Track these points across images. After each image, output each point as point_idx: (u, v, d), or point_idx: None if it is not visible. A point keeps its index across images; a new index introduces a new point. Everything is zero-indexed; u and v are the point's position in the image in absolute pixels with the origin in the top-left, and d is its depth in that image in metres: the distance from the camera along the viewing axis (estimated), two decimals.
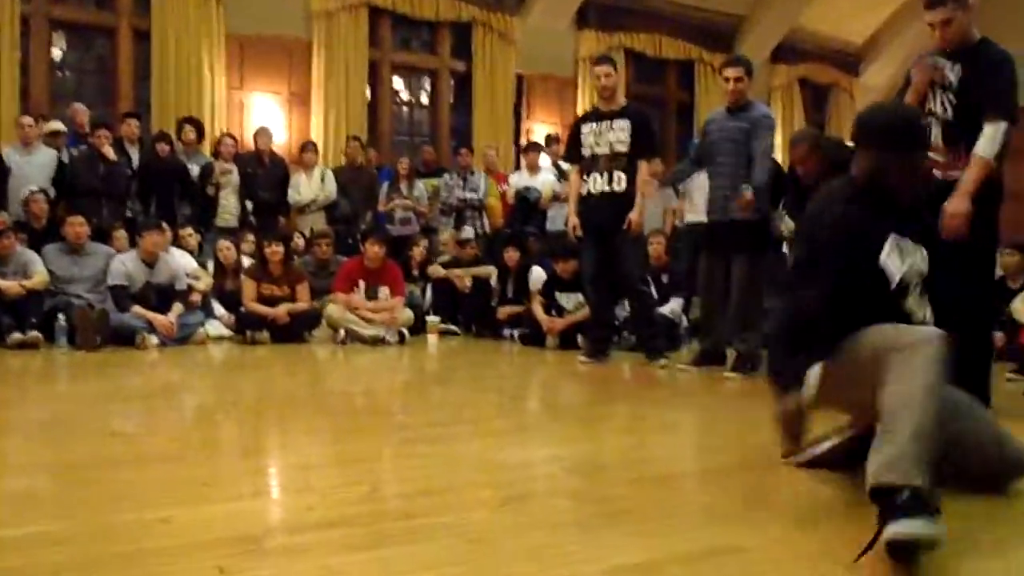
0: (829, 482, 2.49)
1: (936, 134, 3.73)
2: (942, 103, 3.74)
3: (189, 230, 7.66)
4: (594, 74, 5.80)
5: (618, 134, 5.58)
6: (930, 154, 3.71)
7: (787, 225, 8.66)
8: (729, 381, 4.96)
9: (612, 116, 5.63)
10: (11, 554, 1.78)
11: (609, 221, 5.55)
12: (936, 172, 3.72)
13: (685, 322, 7.15)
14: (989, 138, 3.53)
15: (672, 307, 6.97)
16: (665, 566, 1.77)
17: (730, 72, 5.32)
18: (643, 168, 5.61)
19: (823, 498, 2.32)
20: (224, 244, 7.36)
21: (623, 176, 5.54)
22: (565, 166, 7.18)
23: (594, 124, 5.68)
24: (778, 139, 12.34)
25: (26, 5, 8.64)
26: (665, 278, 7.18)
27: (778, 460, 2.76)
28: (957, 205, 3.50)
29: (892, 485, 1.87)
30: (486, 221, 8.93)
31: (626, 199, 5.53)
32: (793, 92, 13.47)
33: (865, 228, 2.36)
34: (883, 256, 2.33)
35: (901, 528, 1.77)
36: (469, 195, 8.79)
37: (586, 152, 5.69)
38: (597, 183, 5.62)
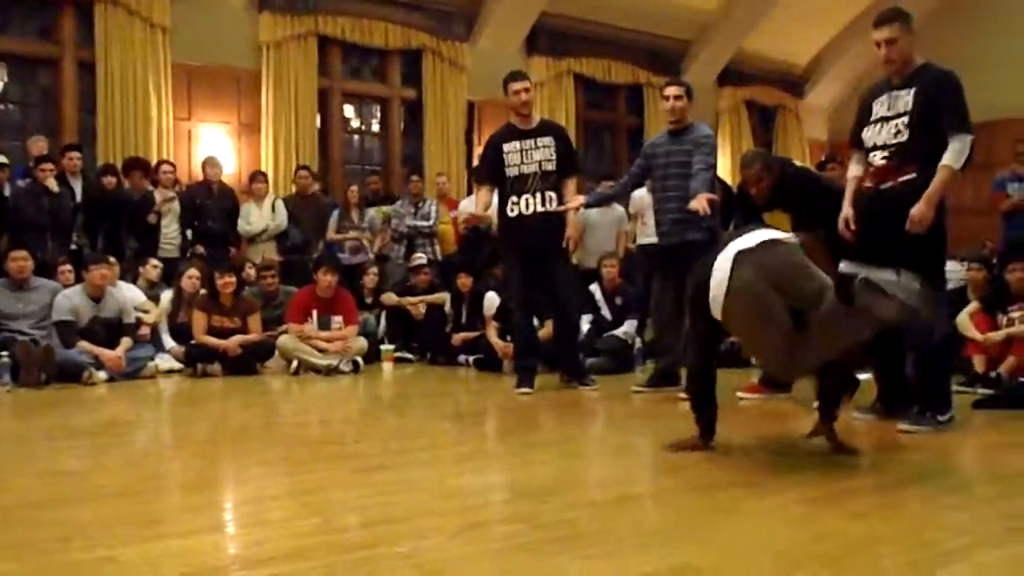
0: (783, 499, 2.51)
1: (881, 163, 3.91)
2: (894, 130, 3.88)
3: (154, 261, 7.58)
4: (512, 90, 5.52)
5: (544, 152, 5.44)
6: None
7: None
8: (683, 402, 4.97)
9: (534, 134, 5.48)
10: None
11: (545, 241, 5.40)
12: (883, 181, 3.90)
13: (639, 344, 7.19)
14: (958, 152, 3.68)
15: (626, 329, 7.01)
16: None
17: (670, 91, 5.30)
18: (571, 185, 5.51)
19: (777, 516, 2.34)
20: (192, 272, 7.24)
21: (553, 195, 5.43)
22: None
23: (516, 143, 5.48)
24: (727, 161, 12.57)
25: None
26: (619, 300, 7.22)
27: (732, 480, 2.78)
28: (924, 211, 3.68)
29: None
30: (438, 248, 8.92)
31: (558, 218, 5.43)
32: (740, 114, 13.68)
33: None
34: None
35: None
36: (421, 222, 8.78)
37: (512, 172, 5.46)
38: (529, 204, 5.44)
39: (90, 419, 4.78)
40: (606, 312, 7.21)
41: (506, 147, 5.51)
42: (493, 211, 5.82)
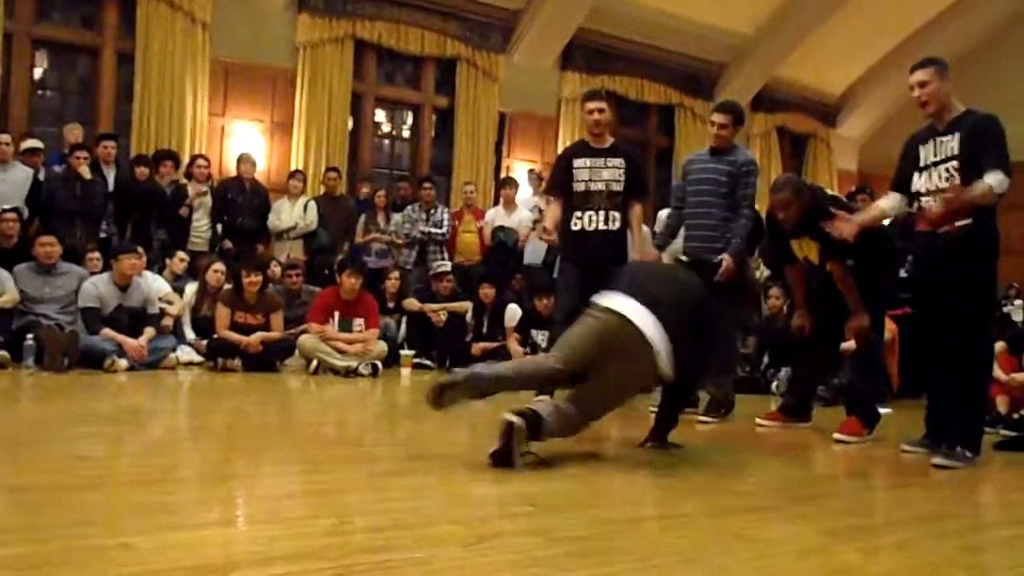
0: (798, 530, 2.49)
1: (932, 207, 3.93)
2: (945, 175, 3.93)
3: (181, 254, 7.65)
4: (586, 109, 5.59)
5: (613, 172, 5.46)
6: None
7: (762, 272, 8.77)
8: (701, 424, 4.96)
9: (605, 154, 5.51)
10: None
11: (603, 258, 5.36)
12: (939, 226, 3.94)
13: None
14: (998, 181, 3.71)
15: None
16: None
17: (716, 118, 5.34)
18: (636, 209, 5.54)
19: (792, 546, 2.32)
20: (218, 267, 7.30)
21: (617, 215, 5.45)
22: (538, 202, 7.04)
23: (587, 160, 5.52)
24: (759, 185, 12.53)
25: (9, 22, 8.62)
26: None
27: (748, 507, 2.77)
28: (952, 199, 3.75)
29: None
30: (445, 255, 8.93)
31: (618, 238, 5.47)
32: (771, 140, 13.67)
33: None
34: None
35: None
36: (434, 229, 8.79)
37: (579, 187, 5.50)
38: (592, 220, 5.47)
39: (110, 406, 4.81)
40: None
41: (576, 162, 5.55)
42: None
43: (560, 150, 11.67)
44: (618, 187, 5.46)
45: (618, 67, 12.21)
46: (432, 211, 8.89)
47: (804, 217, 4.59)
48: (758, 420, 4.97)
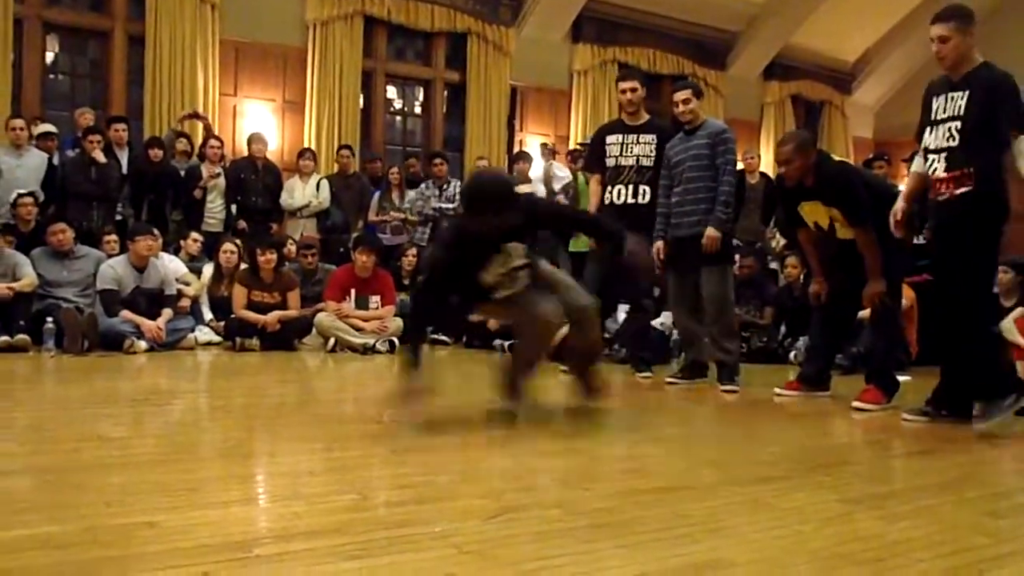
0: (820, 498, 2.49)
1: (939, 167, 3.88)
2: (946, 135, 3.84)
3: (195, 235, 7.67)
4: (619, 89, 5.83)
5: (644, 148, 5.63)
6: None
7: (778, 241, 8.72)
8: (720, 394, 4.96)
9: (638, 130, 5.67)
10: (1, 556, 1.76)
11: (629, 229, 5.49)
12: (941, 193, 3.88)
13: (676, 335, 7.14)
14: (1022, 154, 3.65)
15: (663, 320, 6.98)
16: None
17: (678, 95, 5.46)
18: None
19: (814, 514, 2.32)
20: (228, 247, 7.32)
21: (647, 189, 5.59)
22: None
23: (620, 136, 5.71)
24: (770, 156, 12.44)
25: (20, 7, 8.63)
26: (657, 291, 7.18)
27: (768, 476, 2.77)
28: None
29: None
30: None
31: (647, 212, 5.54)
32: (785, 109, 13.56)
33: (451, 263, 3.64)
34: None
35: None
36: (446, 204, 8.78)
37: (610, 163, 5.69)
38: (620, 194, 5.64)
39: (130, 387, 4.84)
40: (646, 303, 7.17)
41: (609, 138, 5.74)
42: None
43: (572, 123, 11.69)
44: (649, 162, 5.62)
45: (629, 38, 12.12)
46: (445, 187, 8.87)
47: (814, 179, 4.56)
48: (777, 390, 4.96)
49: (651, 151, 5.62)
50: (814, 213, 4.70)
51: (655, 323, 6.92)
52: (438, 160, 9.09)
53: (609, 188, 5.69)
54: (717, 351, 5.29)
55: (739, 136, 5.61)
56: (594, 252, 5.86)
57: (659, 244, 5.58)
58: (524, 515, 2.22)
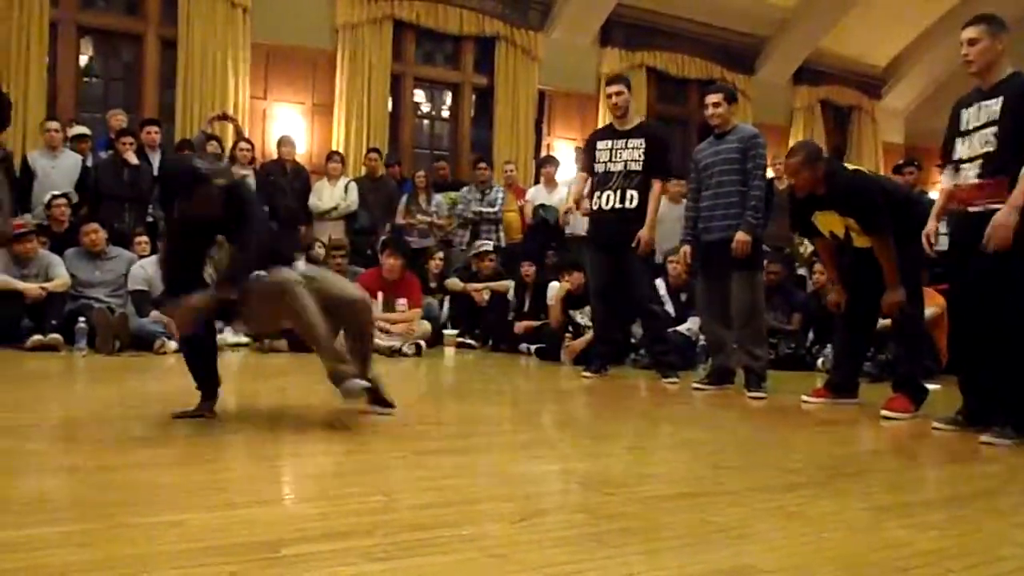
0: (848, 505, 2.47)
1: (971, 174, 3.83)
2: (983, 141, 3.81)
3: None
4: (606, 93, 5.85)
5: (632, 152, 5.65)
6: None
7: (807, 247, 8.66)
8: (746, 400, 4.93)
9: (627, 135, 5.69)
10: (27, 554, 1.79)
11: (619, 237, 5.61)
12: (972, 204, 3.83)
13: (703, 341, 7.12)
14: None
15: (689, 326, 6.95)
16: None
17: (709, 98, 5.44)
18: (656, 186, 5.66)
19: (843, 522, 2.30)
20: None
21: (635, 194, 5.63)
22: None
23: (609, 141, 5.75)
24: None
25: (55, 10, 8.74)
26: (683, 296, 7.17)
27: (796, 483, 2.75)
28: (1005, 217, 3.60)
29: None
30: (502, 235, 8.94)
31: (636, 216, 5.58)
32: (814, 113, 13.47)
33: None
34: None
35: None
36: (486, 209, 8.80)
37: (599, 168, 5.75)
38: (609, 200, 5.68)
39: (160, 387, 4.89)
40: (670, 307, 7.16)
41: (599, 144, 5.80)
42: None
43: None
44: (637, 167, 5.64)
45: (658, 42, 12.10)
46: (487, 190, 8.90)
47: (826, 189, 4.53)
48: (804, 397, 4.93)
49: (640, 155, 5.64)
50: (829, 223, 4.66)
51: (681, 328, 6.90)
52: (482, 164, 9.13)
53: (598, 194, 5.74)
54: (745, 357, 5.27)
55: (768, 141, 5.58)
56: (594, 254, 5.89)
57: (687, 248, 5.58)
58: (549, 519, 2.22)
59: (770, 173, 6.89)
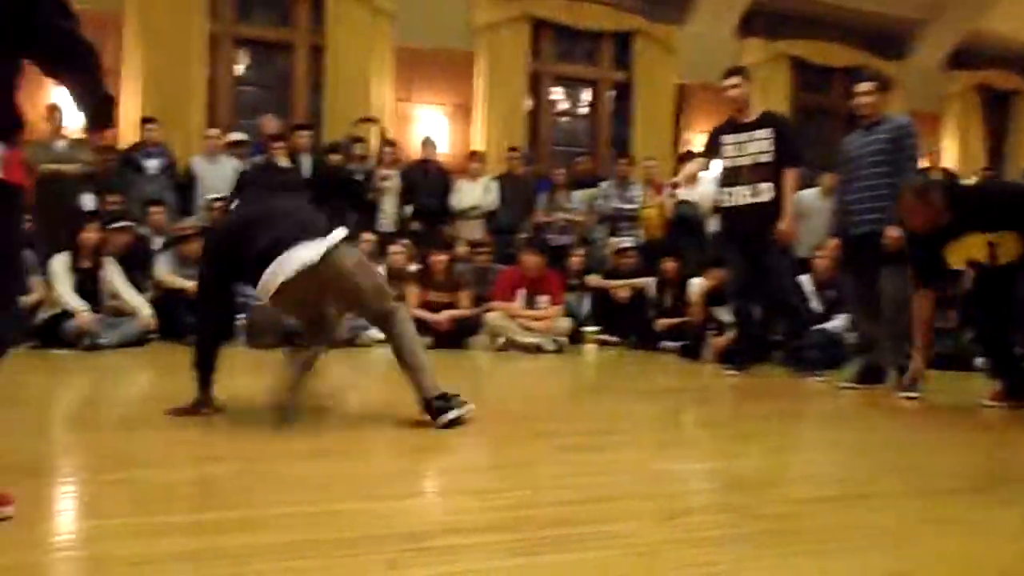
0: (1013, 513, 2.36)
1: None
2: None
3: (366, 235, 7.97)
4: (722, 87, 5.71)
5: (760, 144, 5.53)
6: None
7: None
8: (898, 401, 4.75)
9: (751, 127, 5.59)
10: (190, 538, 1.90)
11: (755, 232, 5.49)
12: None
13: (851, 339, 6.88)
14: None
15: (836, 323, 6.73)
16: None
17: (860, 87, 5.25)
18: (789, 176, 5.51)
19: (1006, 529, 2.20)
20: (395, 248, 7.60)
21: (769, 186, 5.50)
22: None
23: (733, 136, 5.64)
24: (955, 151, 11.79)
25: (214, 24, 9.22)
26: (831, 292, 6.94)
27: (957, 487, 2.64)
28: None
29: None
30: (641, 231, 8.88)
31: (772, 209, 5.46)
32: (969, 100, 12.76)
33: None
34: None
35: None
36: (625, 205, 8.76)
37: (727, 164, 5.66)
38: (740, 195, 5.58)
39: (314, 382, 5.08)
40: (816, 304, 6.95)
41: (724, 139, 5.69)
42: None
43: None
44: (767, 158, 5.52)
45: (801, 30, 11.75)
46: (627, 187, 8.88)
47: (952, 214, 4.28)
48: (984, 401, 4.65)
49: (769, 146, 5.50)
50: (967, 248, 4.37)
51: (827, 326, 6.69)
52: (622, 159, 9.11)
53: (728, 190, 5.64)
54: (896, 355, 5.07)
55: (920, 130, 5.35)
56: (731, 251, 5.77)
57: (835, 242, 5.42)
58: (695, 518, 2.21)
59: (922, 164, 6.60)
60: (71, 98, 2.24)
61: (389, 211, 8.53)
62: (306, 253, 3.26)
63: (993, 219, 4.26)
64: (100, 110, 2.28)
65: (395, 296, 7.09)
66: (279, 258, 3.27)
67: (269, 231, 3.37)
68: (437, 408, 3.41)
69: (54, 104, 7.89)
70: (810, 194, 7.54)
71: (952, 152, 12.06)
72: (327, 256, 3.29)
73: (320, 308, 3.70)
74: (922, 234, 4.45)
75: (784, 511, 2.26)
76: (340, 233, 3.41)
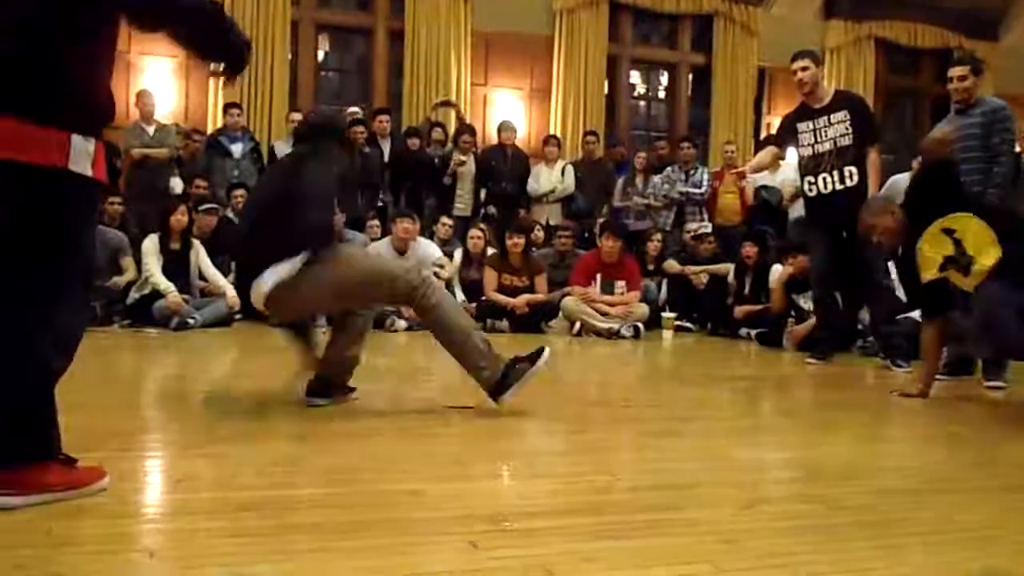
0: None
1: None
2: None
3: (444, 219, 8.04)
4: (792, 70, 5.58)
5: (838, 128, 5.41)
6: None
7: None
8: (986, 391, 4.61)
9: (826, 111, 5.46)
10: (275, 514, 1.95)
11: (845, 216, 5.32)
12: None
13: None
14: None
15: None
16: None
17: (954, 71, 5.11)
18: (872, 156, 5.40)
19: None
20: (474, 233, 7.65)
21: (853, 170, 5.38)
22: None
23: (809, 122, 5.51)
24: None
25: (296, 10, 9.38)
26: None
27: None
28: None
29: None
30: (706, 216, 8.77)
31: (861, 192, 5.32)
32: None
33: None
34: None
35: None
36: (692, 190, 8.66)
37: (806, 152, 5.53)
38: (827, 182, 5.45)
39: (390, 363, 5.17)
40: (901, 293, 6.77)
41: (800, 127, 5.57)
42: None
43: None
44: (847, 141, 5.40)
45: (887, 11, 11.43)
46: (692, 171, 8.78)
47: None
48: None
49: (847, 128, 5.37)
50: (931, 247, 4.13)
51: (914, 314, 6.52)
52: (685, 144, 9.01)
53: (810, 179, 5.50)
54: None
55: (1014, 114, 5.17)
56: (818, 237, 5.63)
57: None
58: (778, 507, 2.18)
59: (1018, 147, 6.37)
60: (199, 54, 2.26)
61: (466, 195, 8.58)
62: (268, 279, 3.13)
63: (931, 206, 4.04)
64: (231, 56, 2.28)
65: (471, 278, 7.10)
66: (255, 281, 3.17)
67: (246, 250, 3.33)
68: (495, 388, 3.27)
69: (144, 90, 8.12)
70: (903, 179, 7.31)
71: None
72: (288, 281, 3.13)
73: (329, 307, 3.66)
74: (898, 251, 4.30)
75: (866, 503, 2.23)
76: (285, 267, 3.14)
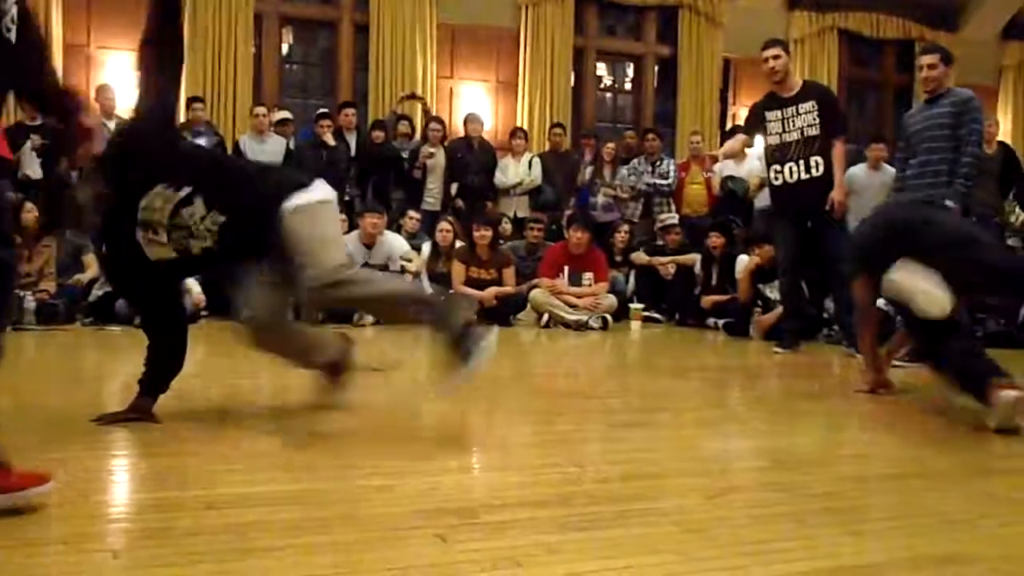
0: None
1: None
2: None
3: (411, 213, 8.00)
4: (763, 58, 5.57)
5: (806, 118, 5.43)
6: None
7: (1017, 216, 8.09)
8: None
9: (795, 101, 5.48)
10: (241, 511, 1.93)
11: (810, 206, 5.43)
12: None
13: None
14: None
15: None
16: (887, 570, 1.70)
17: (924, 59, 5.18)
18: (838, 147, 5.44)
19: None
20: (443, 226, 7.61)
21: (819, 160, 5.41)
22: None
23: (778, 111, 5.53)
24: (1008, 124, 11.50)
25: (260, 3, 9.28)
26: None
27: (1014, 468, 2.60)
28: None
29: None
30: (674, 207, 8.80)
31: (825, 182, 5.38)
32: None
33: None
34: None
35: None
36: (659, 181, 8.69)
37: (773, 140, 5.55)
38: (793, 172, 5.48)
39: (359, 358, 5.12)
40: None
41: (768, 115, 5.57)
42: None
43: None
44: (815, 131, 5.42)
45: (851, 2, 11.51)
46: (658, 163, 8.80)
47: None
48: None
49: (815, 119, 5.39)
50: None
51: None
52: (651, 135, 9.02)
53: (776, 168, 5.53)
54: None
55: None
56: (784, 226, 5.68)
57: None
58: (746, 496, 2.20)
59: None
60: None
61: (436, 189, 8.54)
62: None
63: None
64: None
65: (439, 272, 7.08)
66: None
67: None
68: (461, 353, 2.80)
69: (104, 84, 8.01)
70: (859, 169, 7.45)
71: (1008, 126, 11.78)
72: None
73: None
74: None
75: (833, 489, 2.25)
76: None
